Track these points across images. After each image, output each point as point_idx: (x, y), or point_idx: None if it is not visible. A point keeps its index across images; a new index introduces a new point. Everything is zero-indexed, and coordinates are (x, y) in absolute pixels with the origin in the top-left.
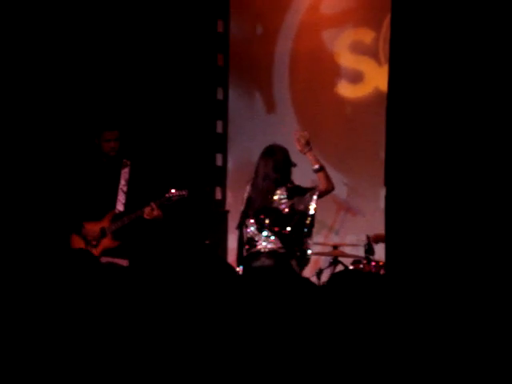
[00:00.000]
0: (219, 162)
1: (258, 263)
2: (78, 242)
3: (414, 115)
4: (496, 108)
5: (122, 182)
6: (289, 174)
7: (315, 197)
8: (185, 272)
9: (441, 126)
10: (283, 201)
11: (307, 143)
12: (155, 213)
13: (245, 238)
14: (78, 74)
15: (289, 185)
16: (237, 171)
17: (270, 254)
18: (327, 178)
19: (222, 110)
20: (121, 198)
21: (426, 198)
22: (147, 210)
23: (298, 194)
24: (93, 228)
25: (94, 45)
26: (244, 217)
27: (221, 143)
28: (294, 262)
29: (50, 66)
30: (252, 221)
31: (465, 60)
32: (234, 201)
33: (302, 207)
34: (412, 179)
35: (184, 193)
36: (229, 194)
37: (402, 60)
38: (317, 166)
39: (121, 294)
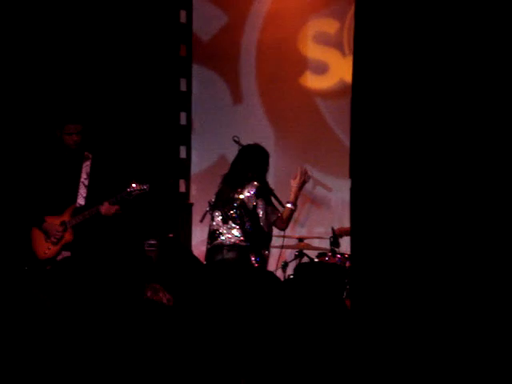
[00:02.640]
0: (183, 154)
1: (219, 256)
2: (38, 237)
3: (379, 106)
4: (460, 98)
5: (84, 175)
6: (262, 173)
7: (271, 219)
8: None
9: (405, 117)
10: (251, 197)
11: (303, 183)
12: (112, 210)
13: (209, 232)
14: (40, 65)
15: (259, 184)
16: (201, 164)
17: (232, 247)
18: (289, 218)
19: (185, 102)
20: (82, 192)
21: (391, 190)
22: (103, 208)
23: (265, 198)
24: (54, 222)
25: (56, 37)
26: (211, 209)
27: (185, 135)
28: (253, 257)
29: (13, 58)
30: (218, 213)
31: (429, 50)
32: (198, 193)
33: (260, 213)
34: (377, 171)
35: (145, 187)
36: (193, 187)
37: (366, 51)
38: (290, 205)
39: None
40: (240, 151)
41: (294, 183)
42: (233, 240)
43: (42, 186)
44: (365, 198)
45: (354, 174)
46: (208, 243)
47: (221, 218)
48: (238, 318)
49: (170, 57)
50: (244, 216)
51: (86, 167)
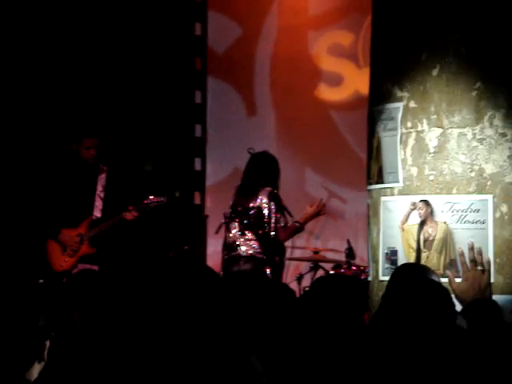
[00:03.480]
0: (198, 166)
1: (236, 267)
2: (54, 249)
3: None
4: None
5: (99, 187)
6: (274, 179)
7: (277, 224)
8: (164, 278)
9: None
10: (265, 202)
11: (317, 214)
12: (135, 213)
13: (226, 243)
14: (57, 80)
15: (272, 188)
16: (216, 176)
17: (249, 258)
18: (291, 233)
19: (200, 114)
20: (98, 204)
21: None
22: (129, 214)
23: (276, 203)
24: (70, 234)
25: (73, 52)
26: (228, 220)
27: (199, 147)
28: (268, 270)
29: (29, 71)
30: (234, 224)
31: (444, 61)
32: (213, 205)
33: (272, 217)
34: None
35: (162, 199)
36: (208, 199)
37: (382, 63)
38: (299, 224)
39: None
40: (250, 160)
41: (310, 210)
42: (250, 251)
43: (58, 198)
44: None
45: (371, 184)
46: (225, 254)
47: (238, 229)
48: (251, 328)
49: (185, 69)
50: (260, 223)
51: (102, 180)
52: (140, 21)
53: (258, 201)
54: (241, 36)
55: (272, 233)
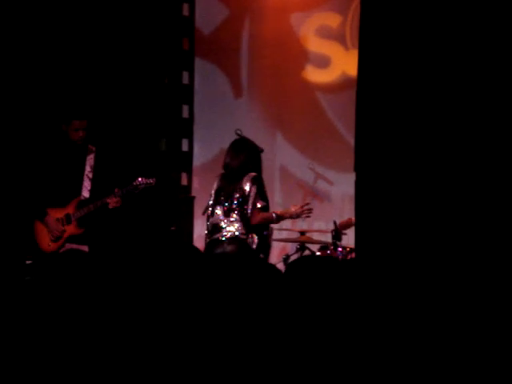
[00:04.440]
0: (185, 147)
1: (219, 249)
2: (41, 229)
3: (385, 100)
4: (466, 92)
5: (88, 168)
6: (258, 166)
7: (254, 205)
8: (151, 258)
9: (411, 111)
10: (247, 188)
11: (298, 216)
12: (119, 203)
13: (209, 226)
14: (44, 61)
15: (256, 175)
16: (203, 157)
17: (232, 239)
18: (264, 220)
19: (187, 95)
20: (86, 185)
21: (396, 183)
22: (111, 201)
23: (258, 186)
24: (55, 216)
25: (60, 33)
26: (212, 205)
27: (187, 128)
28: (253, 236)
29: (19, 54)
30: (218, 207)
31: (435, 44)
32: (200, 187)
33: (251, 197)
34: (382, 164)
35: (151, 181)
36: (195, 180)
37: (371, 44)
38: (275, 214)
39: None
40: (231, 147)
41: (292, 209)
42: (234, 233)
43: (45, 178)
44: (369, 191)
45: (359, 168)
46: (208, 237)
47: (221, 211)
48: (238, 311)
49: (173, 50)
50: (243, 205)
51: (90, 160)
52: (128, 2)
53: (242, 185)
54: (228, 17)
55: (248, 212)
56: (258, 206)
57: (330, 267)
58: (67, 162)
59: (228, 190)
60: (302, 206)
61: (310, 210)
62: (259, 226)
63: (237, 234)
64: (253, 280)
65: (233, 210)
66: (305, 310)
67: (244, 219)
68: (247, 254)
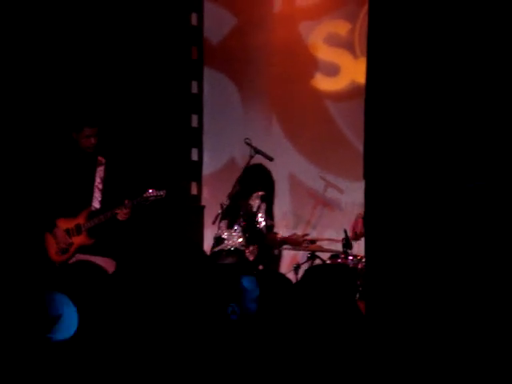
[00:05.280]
0: (195, 156)
1: (220, 261)
2: (51, 239)
3: (393, 108)
4: (476, 102)
5: (98, 179)
6: (270, 193)
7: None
8: (173, 268)
9: (420, 119)
10: (255, 204)
11: (296, 244)
12: (128, 215)
13: (214, 239)
14: (54, 69)
15: (264, 194)
16: (213, 166)
17: (231, 251)
18: (270, 241)
19: (196, 104)
20: (97, 196)
21: (406, 191)
22: (121, 212)
23: (267, 204)
24: (64, 227)
25: (68, 41)
26: (219, 222)
27: (196, 137)
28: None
29: (29, 60)
30: (225, 221)
31: (444, 52)
32: (210, 196)
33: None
34: (391, 172)
35: (162, 193)
36: (204, 189)
37: (380, 52)
38: (277, 239)
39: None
40: (245, 173)
41: (295, 236)
42: (235, 245)
43: (55, 188)
44: (379, 199)
45: (369, 176)
46: (210, 250)
47: (225, 225)
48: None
49: (182, 59)
50: (249, 220)
51: (100, 172)
52: (137, 11)
53: (250, 201)
54: (236, 26)
55: (261, 226)
56: (268, 224)
57: (341, 274)
58: (77, 173)
59: (235, 205)
60: (303, 235)
61: (307, 241)
62: (262, 239)
63: (237, 246)
64: (265, 289)
65: (237, 224)
66: (315, 317)
67: (246, 233)
68: (245, 265)
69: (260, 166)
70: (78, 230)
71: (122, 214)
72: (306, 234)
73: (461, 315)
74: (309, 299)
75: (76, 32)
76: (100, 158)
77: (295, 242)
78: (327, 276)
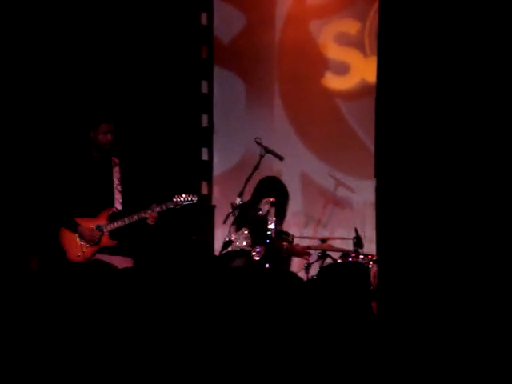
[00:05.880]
0: (205, 156)
1: (227, 263)
2: (70, 239)
3: (404, 106)
4: (484, 101)
5: (116, 181)
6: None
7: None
8: (180, 269)
9: (431, 117)
10: (265, 208)
11: (298, 254)
12: (156, 219)
13: (224, 241)
14: (65, 69)
15: (274, 201)
16: (223, 165)
17: (237, 253)
18: (277, 247)
19: (207, 104)
20: (117, 197)
21: (417, 190)
22: (151, 216)
23: (277, 209)
24: (88, 225)
25: (81, 42)
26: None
27: (206, 137)
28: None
29: (43, 61)
30: (234, 225)
31: (453, 51)
32: (221, 195)
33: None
34: (402, 171)
35: (194, 198)
36: (215, 189)
37: (390, 51)
38: (283, 247)
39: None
40: (260, 185)
41: (298, 247)
42: (240, 245)
43: (73, 188)
44: (390, 197)
45: (380, 174)
46: (220, 251)
47: (234, 228)
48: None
49: (192, 59)
50: (258, 224)
51: (116, 173)
52: (147, 11)
53: (260, 205)
54: (246, 25)
55: (269, 229)
56: (276, 228)
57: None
58: (94, 173)
59: (244, 209)
60: (304, 248)
61: (308, 254)
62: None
63: (243, 247)
64: (276, 288)
65: (245, 226)
66: (328, 316)
67: (253, 235)
68: (251, 266)
69: (274, 179)
70: (99, 231)
71: (151, 218)
72: (308, 247)
73: (473, 316)
74: (324, 298)
75: (86, 31)
76: (114, 159)
77: (298, 253)
78: (343, 275)
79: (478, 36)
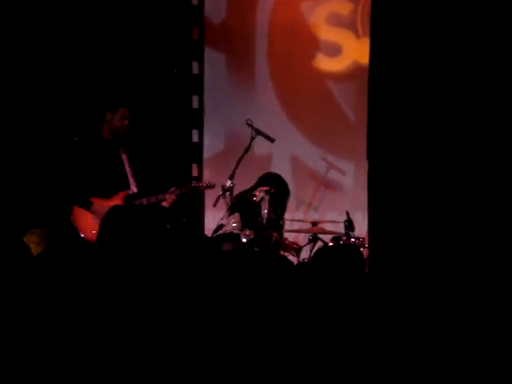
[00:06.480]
0: (195, 138)
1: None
2: (86, 217)
3: (397, 88)
4: (478, 83)
5: (126, 166)
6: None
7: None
8: (164, 251)
9: (424, 99)
10: (259, 195)
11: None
12: (173, 198)
13: (217, 225)
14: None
15: (269, 188)
16: (214, 148)
17: (227, 236)
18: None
19: (197, 85)
20: (131, 180)
21: (410, 172)
22: (170, 197)
23: (271, 198)
24: (104, 204)
25: (68, 25)
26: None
27: (197, 119)
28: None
29: (43, 49)
30: (227, 211)
31: (447, 31)
32: (211, 178)
33: (265, 207)
34: (395, 153)
35: (213, 184)
36: (205, 171)
37: (383, 32)
38: (275, 239)
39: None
40: (261, 179)
41: (289, 242)
42: (231, 230)
43: (87, 167)
44: (382, 180)
45: (372, 156)
46: (212, 234)
47: (227, 213)
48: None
49: (182, 40)
50: (251, 210)
51: (125, 159)
52: None
53: (254, 192)
54: (237, 5)
55: (262, 216)
56: (269, 216)
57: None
58: (106, 154)
59: (239, 195)
60: (294, 243)
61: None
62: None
63: (233, 229)
64: (267, 272)
65: (237, 211)
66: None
67: (244, 219)
68: (240, 249)
69: (275, 175)
70: None
71: (169, 199)
72: (295, 243)
73: (462, 298)
74: (320, 280)
75: (74, 16)
76: (121, 148)
77: (285, 248)
78: (338, 257)
79: (471, 16)
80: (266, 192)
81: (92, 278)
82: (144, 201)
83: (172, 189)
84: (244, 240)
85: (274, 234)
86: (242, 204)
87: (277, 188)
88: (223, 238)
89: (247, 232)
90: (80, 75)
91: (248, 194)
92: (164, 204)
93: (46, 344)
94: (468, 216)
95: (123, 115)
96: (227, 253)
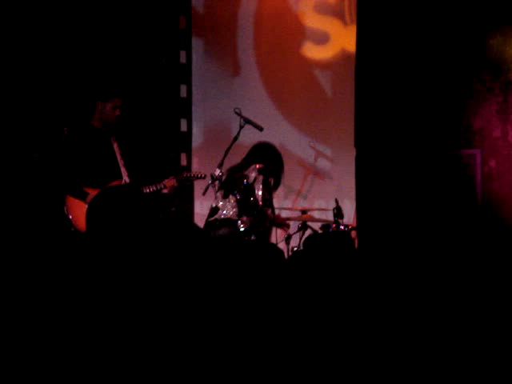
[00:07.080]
0: (184, 127)
1: (212, 231)
2: (80, 209)
3: (384, 75)
4: (463, 72)
5: (118, 156)
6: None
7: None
8: (153, 240)
9: (411, 86)
10: (253, 172)
11: (281, 224)
12: (175, 185)
13: (210, 208)
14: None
15: (263, 166)
16: (202, 137)
17: (224, 221)
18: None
19: (185, 74)
20: (123, 170)
21: (397, 159)
22: (170, 184)
23: (265, 176)
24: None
25: (62, 18)
26: (216, 192)
27: (185, 108)
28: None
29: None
30: (221, 191)
31: (432, 19)
32: (200, 167)
33: (259, 187)
34: (382, 140)
35: (203, 175)
36: (194, 160)
37: (370, 20)
38: (270, 217)
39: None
40: (254, 151)
41: (279, 217)
42: (228, 215)
43: (80, 157)
44: (370, 167)
45: (359, 143)
46: (206, 219)
47: (221, 194)
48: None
49: (170, 29)
50: (245, 191)
51: (116, 149)
52: None
53: (247, 172)
54: None
55: (257, 197)
56: (264, 196)
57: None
58: (98, 144)
59: (233, 176)
60: (284, 220)
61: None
62: (260, 213)
63: (230, 216)
64: (252, 261)
65: (232, 194)
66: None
67: (241, 204)
68: (237, 236)
69: (269, 145)
70: None
71: (172, 188)
72: (288, 218)
73: (445, 279)
74: (312, 268)
75: (68, 5)
76: (111, 137)
77: (279, 223)
78: (329, 244)
79: (456, 5)
80: (259, 171)
81: (83, 266)
82: (144, 190)
83: (171, 177)
84: (242, 229)
85: (268, 212)
86: (235, 186)
87: (270, 161)
88: (221, 223)
89: (244, 218)
90: (69, 65)
91: (240, 173)
92: (165, 191)
93: (38, 336)
94: (452, 202)
95: (115, 105)
96: (222, 238)
